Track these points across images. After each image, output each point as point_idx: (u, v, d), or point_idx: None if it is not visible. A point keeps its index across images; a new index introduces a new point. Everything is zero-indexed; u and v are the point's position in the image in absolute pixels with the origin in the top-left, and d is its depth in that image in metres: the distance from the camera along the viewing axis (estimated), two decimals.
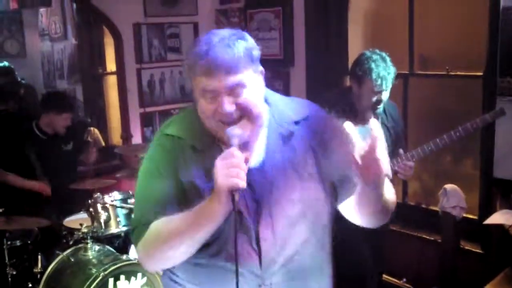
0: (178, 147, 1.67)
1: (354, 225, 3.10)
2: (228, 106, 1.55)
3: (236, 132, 1.53)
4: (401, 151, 3.00)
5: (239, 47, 1.57)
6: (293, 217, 1.65)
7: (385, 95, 2.97)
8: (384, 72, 2.91)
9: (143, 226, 1.64)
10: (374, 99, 2.96)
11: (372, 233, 3.17)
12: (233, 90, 1.56)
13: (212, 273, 1.66)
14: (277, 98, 1.77)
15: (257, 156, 1.63)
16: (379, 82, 2.90)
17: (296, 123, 1.70)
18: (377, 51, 3.03)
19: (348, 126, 1.49)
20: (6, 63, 7.49)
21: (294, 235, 1.66)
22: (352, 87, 3.06)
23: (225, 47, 1.55)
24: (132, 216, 1.76)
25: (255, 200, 1.63)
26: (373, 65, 2.92)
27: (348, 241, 3.13)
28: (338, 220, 3.12)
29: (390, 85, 2.97)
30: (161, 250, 1.62)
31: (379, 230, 3.27)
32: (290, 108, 1.74)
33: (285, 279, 1.67)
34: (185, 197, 1.62)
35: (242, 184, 1.45)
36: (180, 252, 1.60)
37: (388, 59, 2.99)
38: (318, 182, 1.68)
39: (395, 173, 2.99)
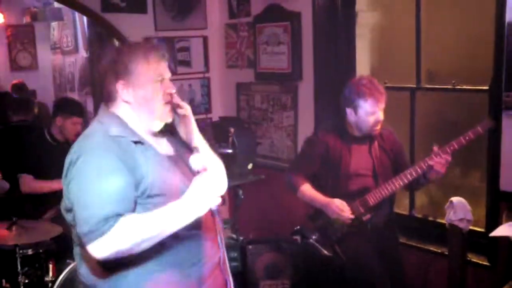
0: (122, 145, 1.91)
1: (363, 243, 3.18)
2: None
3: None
4: (434, 148, 3.08)
5: None
6: None
7: (381, 115, 3.14)
8: (377, 93, 3.11)
9: (107, 223, 1.77)
10: (372, 120, 3.13)
11: (383, 248, 3.25)
12: None
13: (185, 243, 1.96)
14: None
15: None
16: (374, 102, 3.10)
17: None
18: (363, 76, 3.27)
19: None
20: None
21: None
22: (347, 115, 3.23)
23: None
24: (83, 214, 1.83)
25: None
26: (364, 88, 3.12)
27: (359, 259, 3.20)
28: (343, 239, 3.19)
29: (383, 105, 3.14)
30: (136, 242, 1.80)
31: (391, 244, 3.37)
32: None
33: None
34: (137, 189, 1.88)
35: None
36: (153, 243, 1.83)
37: (374, 80, 3.19)
38: None
39: (429, 168, 3.08)
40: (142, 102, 1.98)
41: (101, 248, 1.79)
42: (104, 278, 1.95)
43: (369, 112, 3.12)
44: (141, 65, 1.97)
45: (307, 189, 3.30)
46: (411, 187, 3.45)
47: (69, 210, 1.95)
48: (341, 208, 3.14)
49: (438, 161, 3.04)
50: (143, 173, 1.89)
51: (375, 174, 3.24)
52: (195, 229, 1.97)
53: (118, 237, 1.78)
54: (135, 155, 1.92)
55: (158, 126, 2.05)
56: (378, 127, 3.18)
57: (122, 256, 1.83)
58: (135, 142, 1.96)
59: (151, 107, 1.99)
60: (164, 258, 1.94)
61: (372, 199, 3.16)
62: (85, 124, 4.34)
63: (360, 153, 3.26)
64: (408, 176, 3.11)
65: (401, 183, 3.13)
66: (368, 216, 3.18)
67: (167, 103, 2.01)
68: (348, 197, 3.20)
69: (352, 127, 3.26)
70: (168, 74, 2.04)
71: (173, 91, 2.02)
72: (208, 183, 1.86)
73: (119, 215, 1.80)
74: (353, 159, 3.23)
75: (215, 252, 2.09)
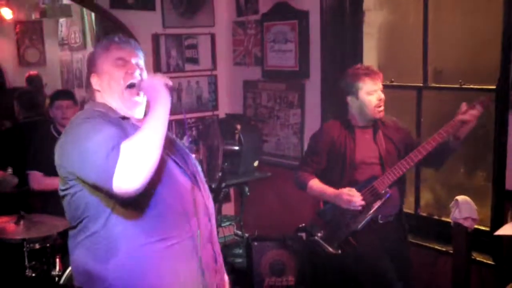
0: (110, 119, 2.03)
1: (374, 240, 3.19)
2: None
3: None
4: (463, 104, 3.12)
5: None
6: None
7: (381, 94, 3.23)
8: (372, 73, 3.24)
9: (113, 151, 1.82)
10: (374, 99, 3.21)
11: (394, 247, 3.26)
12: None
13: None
14: None
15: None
16: (371, 81, 3.21)
17: None
18: (357, 65, 3.45)
19: None
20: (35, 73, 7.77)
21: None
22: (349, 105, 3.32)
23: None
24: (95, 165, 1.86)
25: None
26: (359, 71, 3.27)
27: (370, 256, 3.21)
28: (356, 234, 3.21)
29: (381, 85, 3.24)
30: (145, 150, 1.83)
31: (400, 241, 3.38)
32: None
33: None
34: None
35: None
36: (158, 148, 1.87)
37: (369, 65, 3.38)
38: None
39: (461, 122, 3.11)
40: (106, 88, 2.12)
41: (123, 179, 1.80)
42: (96, 259, 2.02)
43: (369, 91, 3.21)
44: (101, 53, 2.14)
45: (315, 184, 3.33)
46: (440, 158, 3.35)
47: (66, 189, 2.04)
48: (351, 194, 3.15)
49: (472, 113, 3.06)
50: None
51: (382, 162, 3.26)
52: (182, 207, 2.07)
53: (129, 158, 1.81)
54: (123, 126, 2.03)
55: (133, 114, 2.14)
56: (382, 107, 3.22)
57: (146, 181, 1.84)
58: (122, 118, 2.09)
59: (114, 90, 2.10)
60: (153, 232, 2.01)
61: (380, 185, 3.18)
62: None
63: (365, 141, 3.29)
64: (418, 154, 3.13)
65: (407, 166, 3.15)
66: (378, 202, 3.18)
67: (129, 86, 2.09)
68: (357, 187, 3.22)
69: (355, 118, 3.32)
70: (133, 58, 2.14)
71: (136, 72, 2.11)
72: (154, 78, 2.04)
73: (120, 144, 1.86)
74: (358, 148, 3.27)
75: (204, 227, 2.15)
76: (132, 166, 1.80)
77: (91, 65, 2.17)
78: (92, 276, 2.04)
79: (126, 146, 1.82)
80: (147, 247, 2.01)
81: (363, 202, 3.16)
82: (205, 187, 2.24)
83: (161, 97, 1.96)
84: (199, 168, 2.27)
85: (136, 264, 2.01)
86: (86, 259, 2.05)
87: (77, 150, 1.92)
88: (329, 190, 3.27)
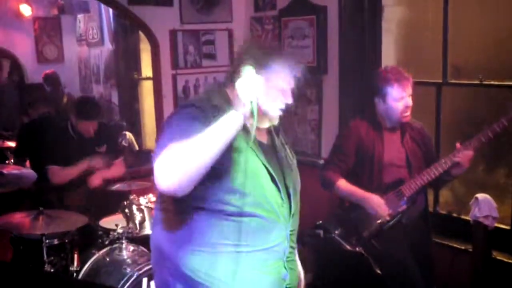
0: (219, 113, 1.86)
1: (396, 237, 3.16)
2: None
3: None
4: (457, 144, 3.10)
5: None
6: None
7: (410, 101, 3.17)
8: (402, 78, 3.16)
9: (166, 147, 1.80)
10: (401, 106, 3.16)
11: (418, 245, 3.24)
12: None
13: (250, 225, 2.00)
14: None
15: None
16: (400, 87, 3.14)
17: None
18: (388, 66, 3.38)
19: None
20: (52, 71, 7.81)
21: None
22: (377, 105, 3.27)
23: None
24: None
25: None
26: (390, 75, 3.19)
27: (390, 252, 3.19)
28: (380, 235, 3.18)
29: (410, 91, 3.18)
30: (182, 158, 1.75)
31: (424, 242, 3.35)
32: None
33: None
34: None
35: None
36: (202, 159, 1.77)
37: (399, 68, 3.28)
38: None
39: (453, 166, 3.08)
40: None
41: (158, 176, 1.77)
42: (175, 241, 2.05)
43: (397, 97, 3.15)
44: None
45: (343, 184, 3.28)
46: (436, 186, 3.42)
47: None
48: (379, 204, 3.14)
49: (465, 154, 3.02)
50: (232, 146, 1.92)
51: (409, 164, 3.24)
52: (266, 217, 2.03)
53: (165, 158, 1.78)
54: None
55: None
56: (408, 113, 3.19)
57: (183, 181, 1.78)
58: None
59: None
60: (226, 235, 2.00)
61: (407, 190, 3.16)
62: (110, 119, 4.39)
63: (393, 143, 3.26)
64: (443, 165, 3.11)
65: (436, 172, 3.12)
66: (404, 206, 3.17)
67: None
68: (383, 189, 3.19)
69: (383, 118, 3.27)
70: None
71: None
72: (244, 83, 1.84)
73: None
74: (386, 149, 3.24)
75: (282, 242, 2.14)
76: (167, 165, 1.76)
77: None
78: (163, 255, 2.11)
79: (171, 147, 1.78)
80: (217, 247, 2.00)
81: (389, 212, 3.15)
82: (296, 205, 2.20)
83: (236, 108, 1.82)
84: (298, 184, 2.23)
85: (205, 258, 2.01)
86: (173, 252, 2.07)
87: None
88: (358, 191, 3.23)
